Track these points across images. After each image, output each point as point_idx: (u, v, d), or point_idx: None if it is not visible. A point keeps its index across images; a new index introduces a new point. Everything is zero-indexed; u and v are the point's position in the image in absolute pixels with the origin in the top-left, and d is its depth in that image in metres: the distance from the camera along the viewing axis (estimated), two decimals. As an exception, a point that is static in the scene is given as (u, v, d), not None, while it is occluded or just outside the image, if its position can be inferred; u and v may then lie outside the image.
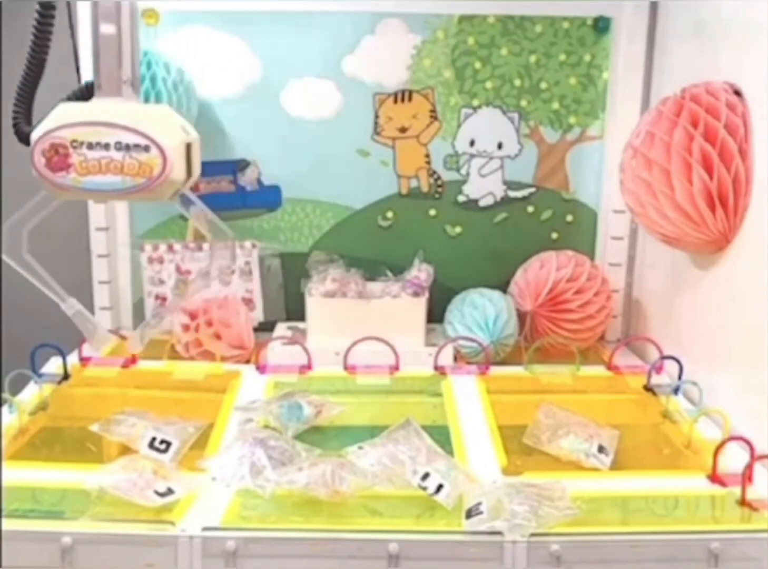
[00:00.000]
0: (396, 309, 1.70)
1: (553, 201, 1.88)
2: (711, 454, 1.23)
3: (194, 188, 1.83)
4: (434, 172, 1.86)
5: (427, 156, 1.85)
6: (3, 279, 1.46)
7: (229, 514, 1.10)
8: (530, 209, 1.89)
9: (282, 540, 1.06)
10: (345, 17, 1.77)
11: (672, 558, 1.07)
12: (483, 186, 1.87)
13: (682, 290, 1.61)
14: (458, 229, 1.89)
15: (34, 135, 1.15)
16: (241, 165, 1.85)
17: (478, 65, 1.81)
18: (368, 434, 1.29)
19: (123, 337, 1.69)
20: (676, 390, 1.50)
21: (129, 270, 1.90)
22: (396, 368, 1.61)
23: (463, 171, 1.86)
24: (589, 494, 1.16)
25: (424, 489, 1.13)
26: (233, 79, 1.81)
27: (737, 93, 1.36)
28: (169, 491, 1.13)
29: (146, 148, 1.13)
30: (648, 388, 1.54)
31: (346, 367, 1.61)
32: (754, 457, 1.19)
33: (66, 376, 1.54)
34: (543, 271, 1.73)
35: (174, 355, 1.66)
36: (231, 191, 1.86)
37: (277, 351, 1.67)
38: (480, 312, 1.69)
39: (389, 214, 1.88)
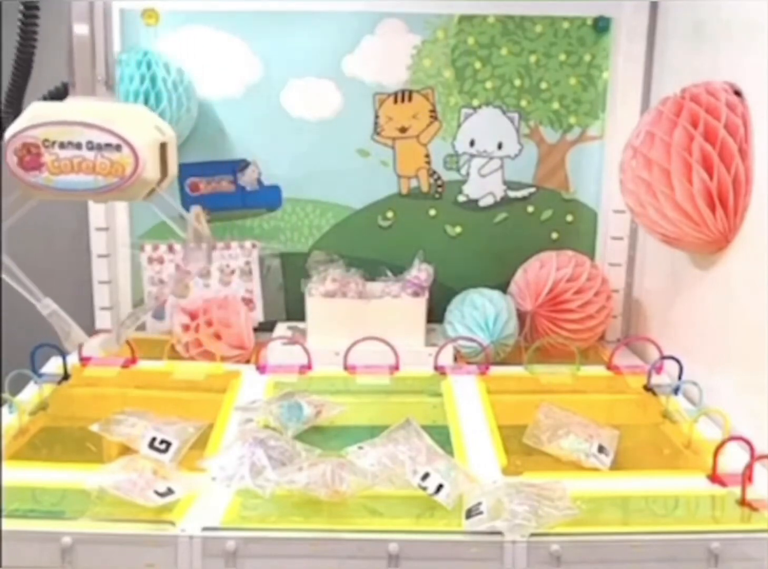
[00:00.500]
0: (396, 309, 1.70)
1: (553, 201, 1.88)
2: (711, 454, 1.23)
3: (194, 188, 1.85)
4: (434, 172, 1.86)
5: (427, 156, 1.85)
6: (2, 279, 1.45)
7: (229, 514, 1.10)
8: (530, 209, 1.89)
9: (282, 540, 1.06)
10: (345, 17, 1.77)
11: (672, 558, 1.07)
12: (483, 186, 1.87)
13: (682, 290, 1.61)
14: (458, 229, 1.89)
15: (7, 134, 1.15)
16: (241, 165, 1.85)
17: (478, 65, 1.81)
18: (368, 434, 1.29)
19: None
20: (676, 391, 1.50)
21: (129, 270, 1.90)
22: (396, 368, 1.61)
23: (463, 171, 1.86)
24: (589, 494, 1.16)
25: (424, 489, 1.13)
26: (233, 79, 1.81)
27: (737, 93, 1.36)
28: (169, 491, 1.13)
29: (118, 148, 1.13)
30: (648, 388, 1.54)
31: (346, 367, 1.61)
32: (754, 457, 1.18)
33: (66, 376, 1.55)
34: (543, 271, 1.73)
35: (174, 355, 1.66)
36: (231, 191, 1.86)
37: (277, 351, 1.67)
38: (480, 312, 1.69)
39: (389, 214, 1.88)
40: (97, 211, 1.82)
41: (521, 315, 1.74)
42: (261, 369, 1.61)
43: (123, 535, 1.05)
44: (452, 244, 1.89)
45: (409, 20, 1.78)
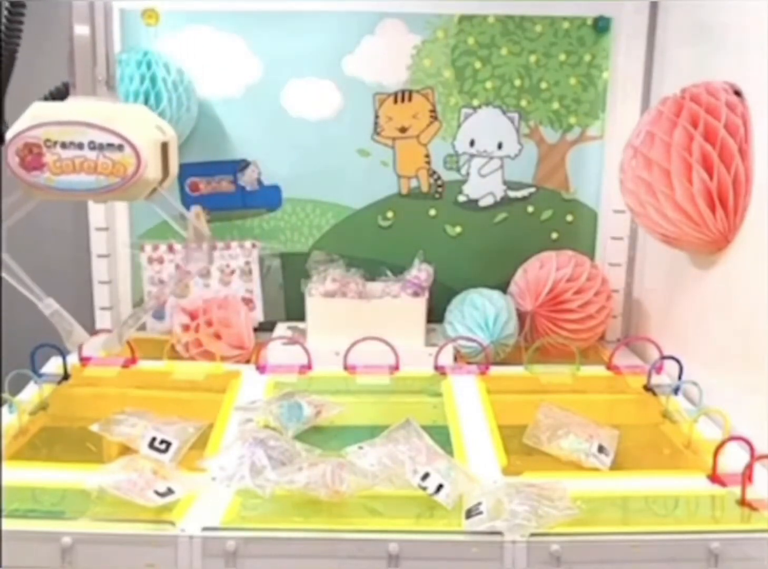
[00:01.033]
0: (396, 310, 1.70)
1: (553, 201, 1.88)
2: (711, 454, 1.23)
3: (194, 188, 1.85)
4: (434, 172, 1.86)
5: (427, 156, 1.85)
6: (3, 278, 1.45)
7: (228, 514, 1.10)
8: (530, 209, 1.89)
9: (282, 540, 1.06)
10: (345, 17, 1.77)
11: (672, 559, 1.07)
12: (483, 186, 1.87)
13: (682, 290, 1.60)
14: (458, 229, 1.89)
15: (8, 134, 1.15)
16: (241, 165, 1.85)
17: (478, 65, 1.81)
18: (368, 434, 1.29)
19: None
20: (676, 391, 1.49)
21: (129, 270, 1.90)
22: (396, 368, 1.61)
23: (463, 171, 1.86)
24: (588, 494, 1.16)
25: (424, 489, 1.13)
26: (233, 79, 1.81)
27: (737, 93, 1.36)
28: (169, 491, 1.13)
29: (120, 148, 1.13)
30: (648, 388, 1.54)
31: (346, 367, 1.61)
32: (754, 457, 1.18)
33: (66, 376, 1.55)
34: (543, 271, 1.73)
35: (174, 355, 1.66)
36: (231, 191, 1.86)
37: (277, 351, 1.67)
38: (480, 312, 1.69)
39: (389, 214, 1.88)
40: (97, 211, 1.82)
41: (521, 316, 1.73)
42: (261, 369, 1.61)
43: (123, 535, 1.05)
44: (452, 244, 1.89)
45: (409, 20, 1.78)
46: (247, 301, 1.84)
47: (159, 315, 1.81)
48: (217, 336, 1.65)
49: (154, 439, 1.26)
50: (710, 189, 1.34)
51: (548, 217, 1.89)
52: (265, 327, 1.82)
